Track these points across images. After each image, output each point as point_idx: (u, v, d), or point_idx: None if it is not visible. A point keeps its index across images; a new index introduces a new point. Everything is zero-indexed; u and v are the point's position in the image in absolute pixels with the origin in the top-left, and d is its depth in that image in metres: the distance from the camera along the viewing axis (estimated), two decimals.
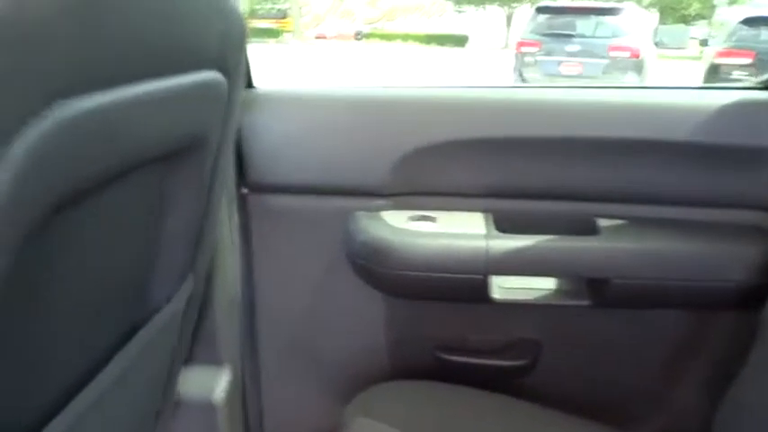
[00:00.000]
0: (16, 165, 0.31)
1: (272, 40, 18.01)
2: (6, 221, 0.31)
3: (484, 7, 21.25)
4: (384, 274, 0.88)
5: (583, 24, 7.38)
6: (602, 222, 0.89)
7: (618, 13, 7.41)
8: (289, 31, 19.78)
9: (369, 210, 0.91)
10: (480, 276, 0.86)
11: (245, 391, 0.98)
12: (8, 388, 0.40)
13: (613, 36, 7.13)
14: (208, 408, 0.88)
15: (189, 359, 0.86)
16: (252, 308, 0.99)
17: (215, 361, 0.90)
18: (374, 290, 0.93)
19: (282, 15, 20.43)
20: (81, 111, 0.35)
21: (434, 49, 18.92)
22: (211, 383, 0.89)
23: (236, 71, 0.62)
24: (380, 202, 0.92)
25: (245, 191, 0.93)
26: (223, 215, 0.83)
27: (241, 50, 0.63)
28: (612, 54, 7.02)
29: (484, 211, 0.92)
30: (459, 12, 23.74)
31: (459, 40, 19.82)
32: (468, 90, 0.97)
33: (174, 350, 0.76)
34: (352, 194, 0.92)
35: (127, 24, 0.40)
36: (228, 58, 0.59)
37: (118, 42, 0.39)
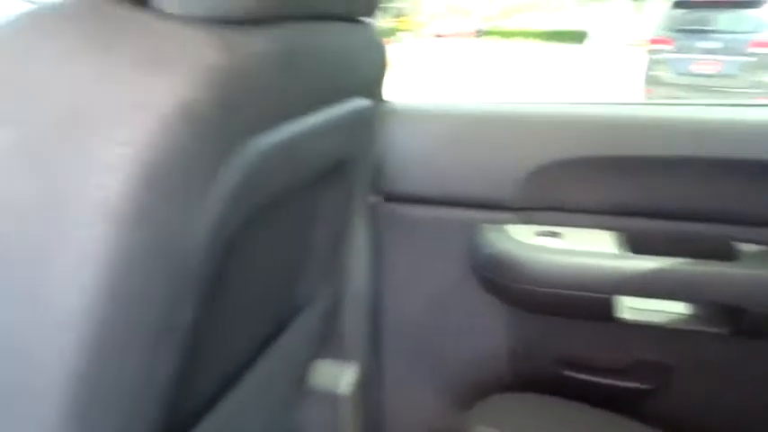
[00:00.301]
0: (222, 188, 0.36)
1: (389, 39, 18.25)
2: (214, 236, 0.37)
3: (608, 1, 20.27)
4: (509, 287, 0.90)
5: (721, 18, 6.82)
6: (740, 247, 0.85)
7: (761, 6, 6.77)
8: (406, 30, 20.00)
9: (495, 222, 0.93)
10: (608, 296, 0.85)
11: (369, 389, 1.04)
12: (185, 376, 0.46)
13: (755, 31, 6.53)
14: (334, 400, 0.95)
15: (319, 354, 0.94)
16: (378, 310, 1.04)
17: (344, 357, 0.97)
18: (498, 301, 0.95)
19: (399, 14, 20.68)
20: (270, 143, 0.41)
21: (554, 46, 18.31)
22: (338, 378, 0.95)
23: (379, 94, 0.67)
24: (507, 215, 0.93)
25: (376, 199, 0.98)
26: (356, 222, 0.89)
27: (383, 75, 0.67)
28: (754, 50, 6.44)
29: (612, 229, 0.90)
30: (582, 6, 22.80)
31: (578, 37, 19.05)
32: (598, 107, 0.96)
33: (311, 346, 0.83)
34: (479, 207, 0.95)
35: (310, 68, 0.45)
36: (374, 84, 0.64)
37: (301, 83, 0.44)
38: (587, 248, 0.87)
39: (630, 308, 0.89)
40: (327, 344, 0.94)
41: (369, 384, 1.04)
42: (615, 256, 0.85)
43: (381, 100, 0.89)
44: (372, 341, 1.05)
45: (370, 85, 0.62)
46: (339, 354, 0.97)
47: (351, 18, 0.54)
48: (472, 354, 1.02)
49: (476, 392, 0.94)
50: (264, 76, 0.38)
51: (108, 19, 0.34)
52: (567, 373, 0.96)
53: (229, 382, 0.60)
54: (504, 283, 0.90)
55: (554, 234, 0.91)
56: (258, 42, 0.37)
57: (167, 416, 0.44)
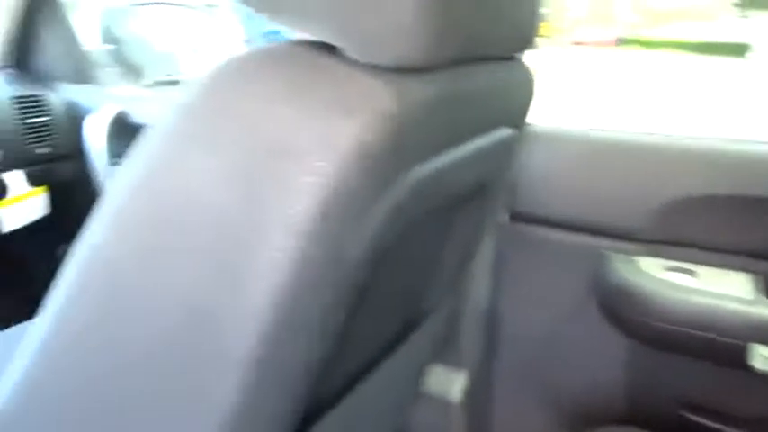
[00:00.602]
0: (382, 211, 0.42)
1: None
2: (371, 250, 0.43)
3: None
4: (633, 320, 0.89)
5: None
6: None
7: None
8: (544, 36, 19.44)
9: (622, 252, 0.93)
10: (741, 342, 0.82)
11: (479, 398, 1.07)
12: (321, 372, 0.52)
13: None
14: (444, 405, 0.99)
15: (433, 359, 0.98)
16: (495, 324, 1.07)
17: (456, 364, 1.01)
18: (619, 332, 0.95)
19: (540, 20, 20.07)
20: (424, 172, 0.46)
21: (707, 58, 16.90)
22: (450, 384, 0.99)
23: (523, 123, 0.70)
24: (635, 246, 0.92)
25: (503, 218, 1.01)
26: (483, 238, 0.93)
27: (529, 106, 0.70)
28: None
29: (748, 271, 0.87)
30: (743, 17, 20.89)
31: (739, 49, 17.43)
32: (742, 144, 0.92)
33: (429, 351, 0.88)
34: (607, 235, 0.94)
35: (466, 106, 0.50)
36: (520, 114, 0.67)
37: (457, 120, 0.49)
38: (721, 289, 0.85)
39: (765, 357, 0.85)
40: (443, 350, 0.99)
41: (479, 394, 1.07)
42: (752, 301, 0.82)
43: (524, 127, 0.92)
44: (486, 352, 1.08)
45: (517, 115, 0.66)
46: (453, 361, 1.02)
47: (506, 57, 0.58)
48: (585, 380, 1.02)
49: (585, 419, 0.94)
50: (428, 117, 0.44)
51: (305, 65, 0.41)
52: (685, 414, 0.93)
53: (353, 381, 0.65)
54: (628, 316, 0.89)
55: (685, 271, 0.89)
56: (426, 89, 0.43)
57: (300, 408, 0.50)
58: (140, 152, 0.41)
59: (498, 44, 0.53)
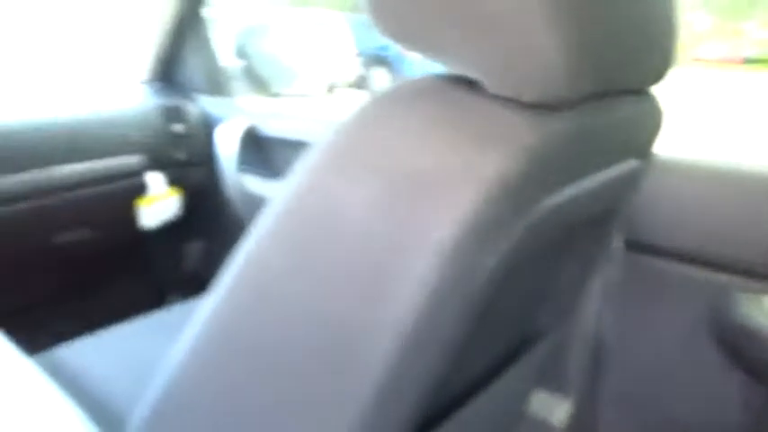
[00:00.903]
0: (514, 235, 0.44)
1: None
2: (500, 270, 0.45)
3: None
4: (757, 360, 0.85)
5: None
6: None
7: None
8: None
9: (746, 290, 0.88)
10: None
11: (581, 426, 1.06)
12: (437, 387, 0.54)
13: None
14: (547, 430, 0.98)
15: (538, 384, 0.98)
16: (603, 352, 1.05)
17: (561, 390, 1.00)
18: (740, 373, 0.90)
19: None
20: (555, 202, 0.48)
21: None
22: (554, 409, 0.98)
23: (649, 154, 0.69)
24: (759, 284, 0.88)
25: (618, 245, 1.00)
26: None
27: (656, 137, 0.70)
28: None
29: None
30: None
31: None
32: None
33: (535, 375, 0.89)
34: (728, 269, 0.90)
35: (598, 140, 0.51)
36: (647, 146, 0.67)
37: (588, 153, 0.51)
38: None
39: None
40: (549, 374, 0.98)
41: (582, 421, 1.05)
42: None
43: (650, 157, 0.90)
44: (592, 380, 1.06)
45: (644, 147, 0.66)
46: (558, 386, 1.01)
47: (638, 90, 0.59)
48: (697, 419, 0.98)
49: None
50: (563, 151, 0.45)
51: (448, 99, 0.44)
52: None
53: (461, 399, 0.67)
54: (751, 355, 0.85)
55: None
56: (565, 123, 0.45)
57: (418, 420, 0.53)
58: (296, 176, 0.46)
59: (634, 78, 0.54)
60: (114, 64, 1.55)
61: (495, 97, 0.43)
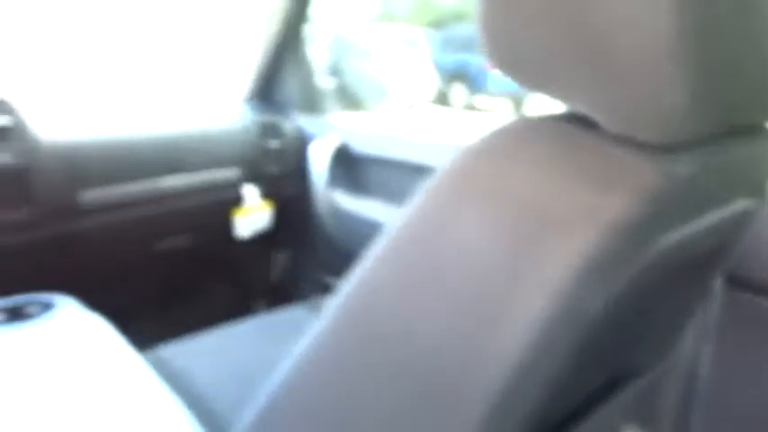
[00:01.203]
0: (627, 274, 0.44)
1: None
2: (608, 308, 0.45)
3: None
4: None
5: None
6: None
7: None
8: None
9: None
10: None
11: None
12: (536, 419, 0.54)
13: None
14: None
15: (632, 418, 0.95)
16: (698, 391, 1.01)
17: (652, 427, 0.97)
18: None
19: None
20: (669, 241, 0.47)
21: None
22: None
23: (763, 194, 0.67)
24: None
25: (719, 282, 0.96)
26: None
27: None
28: None
29: None
30: None
31: None
32: None
33: (628, 411, 0.86)
34: None
35: (716, 180, 0.51)
36: (762, 185, 0.64)
37: (706, 193, 0.50)
38: None
39: None
40: (642, 410, 0.95)
41: None
42: None
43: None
44: (683, 420, 1.02)
45: (759, 185, 0.63)
46: (648, 423, 0.98)
47: (753, 127, 0.57)
48: None
49: None
50: (682, 194, 0.45)
51: (568, 138, 0.44)
52: None
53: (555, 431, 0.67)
54: None
55: None
56: (682, 166, 0.44)
57: None
58: (416, 204, 0.48)
59: (750, 116, 0.53)
60: (219, 83, 1.64)
61: (614, 137, 0.43)
